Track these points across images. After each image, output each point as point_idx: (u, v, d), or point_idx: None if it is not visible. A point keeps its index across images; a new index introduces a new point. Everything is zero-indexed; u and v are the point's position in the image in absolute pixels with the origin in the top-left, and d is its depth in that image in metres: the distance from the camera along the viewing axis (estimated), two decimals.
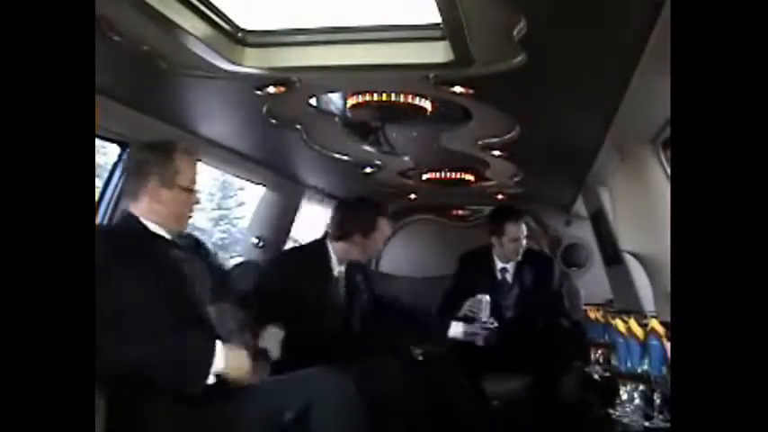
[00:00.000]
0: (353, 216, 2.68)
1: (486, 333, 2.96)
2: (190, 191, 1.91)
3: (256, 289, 2.59)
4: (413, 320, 2.92)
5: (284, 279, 2.55)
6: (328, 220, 2.79)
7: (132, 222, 1.88)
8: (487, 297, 3.17)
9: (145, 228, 1.87)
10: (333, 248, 2.68)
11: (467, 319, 3.15)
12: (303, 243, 3.52)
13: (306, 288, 2.48)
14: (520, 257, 3.38)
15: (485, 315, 3.18)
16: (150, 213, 1.87)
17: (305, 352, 2.08)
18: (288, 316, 2.17)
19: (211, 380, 1.69)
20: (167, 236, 1.89)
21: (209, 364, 1.68)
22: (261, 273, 2.97)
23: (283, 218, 3.89)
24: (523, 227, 3.37)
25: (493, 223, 3.41)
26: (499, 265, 3.41)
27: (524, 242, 3.38)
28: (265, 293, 2.50)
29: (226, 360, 1.70)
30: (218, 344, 1.71)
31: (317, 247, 2.72)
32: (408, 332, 2.83)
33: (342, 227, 2.67)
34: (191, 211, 1.95)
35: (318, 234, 2.84)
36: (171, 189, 1.87)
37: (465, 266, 3.54)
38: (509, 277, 3.41)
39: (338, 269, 2.69)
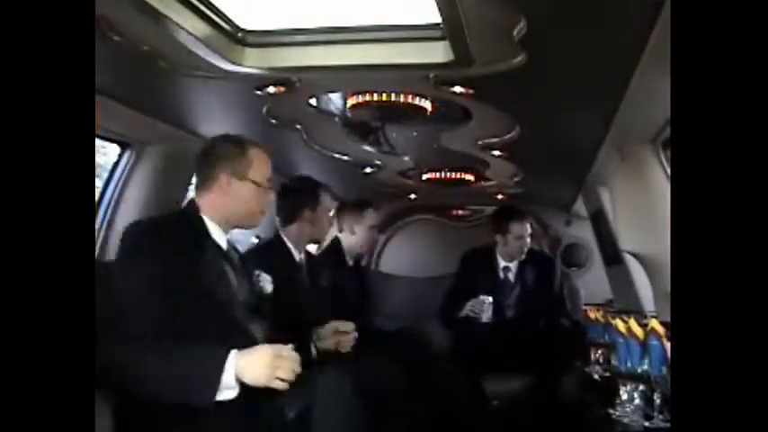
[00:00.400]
0: (295, 194, 2.69)
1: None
2: (261, 186, 1.89)
3: None
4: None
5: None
6: (276, 211, 2.76)
7: (191, 212, 1.86)
8: (490, 298, 3.17)
9: (201, 220, 1.85)
10: (287, 235, 2.66)
11: (467, 320, 3.16)
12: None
13: (277, 283, 2.48)
14: (524, 256, 3.38)
15: (486, 316, 3.19)
16: (214, 206, 1.85)
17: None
18: (275, 315, 2.17)
19: (232, 393, 1.59)
20: (224, 233, 1.88)
21: (218, 377, 1.57)
22: None
23: None
24: (527, 225, 3.39)
25: (497, 222, 3.42)
26: (502, 263, 3.42)
27: (528, 241, 3.39)
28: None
29: (238, 369, 1.58)
30: (232, 353, 1.59)
31: (274, 240, 2.71)
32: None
33: (289, 209, 2.67)
34: (261, 206, 1.92)
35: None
36: (242, 181, 1.86)
37: (467, 266, 3.54)
38: (511, 276, 3.41)
39: (299, 256, 2.68)
